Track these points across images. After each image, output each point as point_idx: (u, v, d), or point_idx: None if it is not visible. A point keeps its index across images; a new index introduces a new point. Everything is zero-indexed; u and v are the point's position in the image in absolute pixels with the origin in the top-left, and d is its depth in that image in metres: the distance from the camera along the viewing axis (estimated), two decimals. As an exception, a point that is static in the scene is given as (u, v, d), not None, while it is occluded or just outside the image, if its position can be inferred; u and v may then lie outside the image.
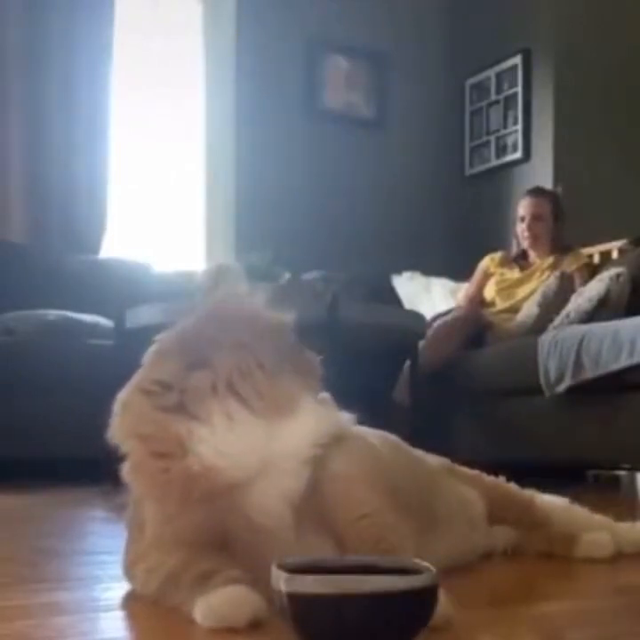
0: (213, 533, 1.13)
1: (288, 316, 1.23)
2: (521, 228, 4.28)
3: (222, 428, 1.13)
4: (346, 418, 1.28)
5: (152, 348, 1.21)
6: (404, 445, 1.51)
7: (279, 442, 1.14)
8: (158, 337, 1.21)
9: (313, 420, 1.18)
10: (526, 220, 4.24)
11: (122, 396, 1.19)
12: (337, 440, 1.20)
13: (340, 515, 1.13)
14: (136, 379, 1.20)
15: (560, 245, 4.25)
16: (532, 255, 4.29)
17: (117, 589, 1.24)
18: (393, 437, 1.47)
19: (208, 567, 1.07)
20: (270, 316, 1.23)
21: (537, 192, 4.35)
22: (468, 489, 1.52)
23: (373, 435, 1.39)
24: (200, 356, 1.16)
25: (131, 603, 1.18)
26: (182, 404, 1.14)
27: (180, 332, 1.20)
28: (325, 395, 1.27)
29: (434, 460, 1.55)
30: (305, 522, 1.13)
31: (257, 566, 1.05)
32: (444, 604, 0.98)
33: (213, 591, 1.03)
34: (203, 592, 1.03)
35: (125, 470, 1.18)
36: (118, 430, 1.18)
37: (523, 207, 4.28)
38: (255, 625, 1.00)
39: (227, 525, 1.13)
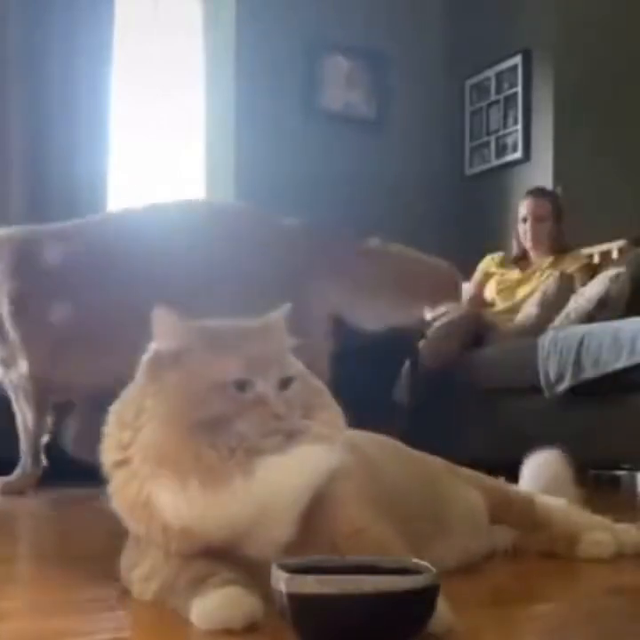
0: (207, 545, 1.11)
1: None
2: (523, 229, 4.27)
3: (192, 493, 1.06)
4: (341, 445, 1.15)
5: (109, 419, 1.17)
6: (405, 449, 1.49)
7: (266, 494, 1.07)
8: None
9: (305, 468, 1.10)
10: (529, 221, 4.24)
11: (113, 409, 1.17)
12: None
13: (336, 534, 1.10)
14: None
15: (560, 245, 4.24)
16: (533, 255, 4.29)
17: (117, 589, 1.24)
18: (392, 442, 1.46)
19: (204, 570, 1.07)
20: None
21: (538, 192, 4.35)
22: (469, 490, 1.52)
23: (372, 440, 1.38)
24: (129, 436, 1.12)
25: (131, 602, 1.18)
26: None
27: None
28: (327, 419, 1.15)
29: (435, 462, 1.54)
30: (304, 544, 1.09)
31: (255, 575, 1.05)
32: (443, 610, 0.97)
33: (209, 593, 1.02)
34: (199, 594, 1.02)
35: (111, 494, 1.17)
36: (103, 456, 1.16)
37: (525, 208, 4.28)
38: (252, 626, 0.99)
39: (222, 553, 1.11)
